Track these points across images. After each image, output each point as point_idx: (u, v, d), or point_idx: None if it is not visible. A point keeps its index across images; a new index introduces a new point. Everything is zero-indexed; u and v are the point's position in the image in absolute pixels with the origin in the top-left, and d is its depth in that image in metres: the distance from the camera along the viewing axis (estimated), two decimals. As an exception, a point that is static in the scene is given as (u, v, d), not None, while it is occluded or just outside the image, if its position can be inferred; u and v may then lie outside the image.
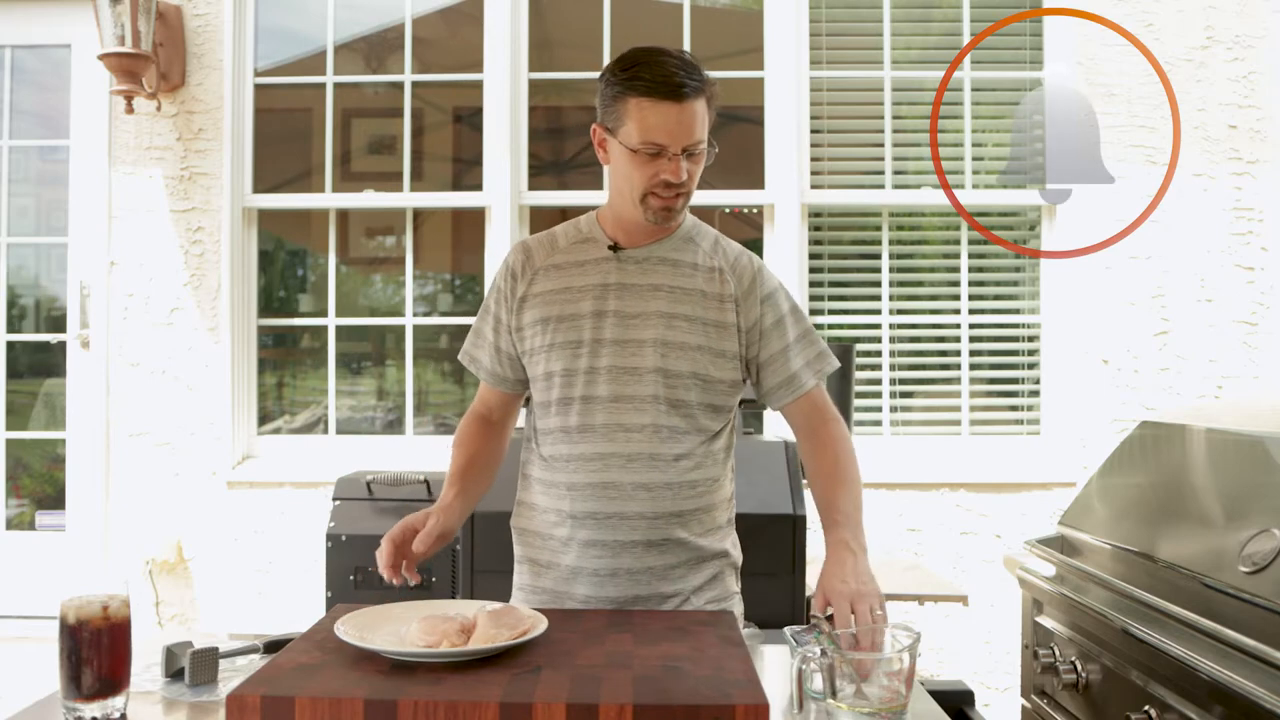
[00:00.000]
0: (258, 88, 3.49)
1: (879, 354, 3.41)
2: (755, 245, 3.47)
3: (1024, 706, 1.99)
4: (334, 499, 2.70)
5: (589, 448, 1.55)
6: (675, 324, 1.58)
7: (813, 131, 3.41)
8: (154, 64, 3.23)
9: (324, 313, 3.55)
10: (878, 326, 3.43)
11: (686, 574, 1.59)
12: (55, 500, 3.49)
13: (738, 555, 1.69)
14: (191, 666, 1.32)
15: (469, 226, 3.59)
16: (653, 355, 1.56)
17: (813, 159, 3.41)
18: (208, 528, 3.36)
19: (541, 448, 1.62)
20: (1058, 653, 1.82)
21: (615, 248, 1.62)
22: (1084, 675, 1.71)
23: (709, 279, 1.61)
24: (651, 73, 1.47)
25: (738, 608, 1.67)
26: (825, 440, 1.63)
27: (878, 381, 3.42)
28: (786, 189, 3.37)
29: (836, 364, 1.68)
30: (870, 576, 1.41)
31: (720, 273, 1.62)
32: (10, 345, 3.53)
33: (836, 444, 1.62)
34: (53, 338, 3.52)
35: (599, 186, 3.41)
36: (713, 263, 1.63)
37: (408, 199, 3.54)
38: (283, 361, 3.73)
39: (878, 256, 3.44)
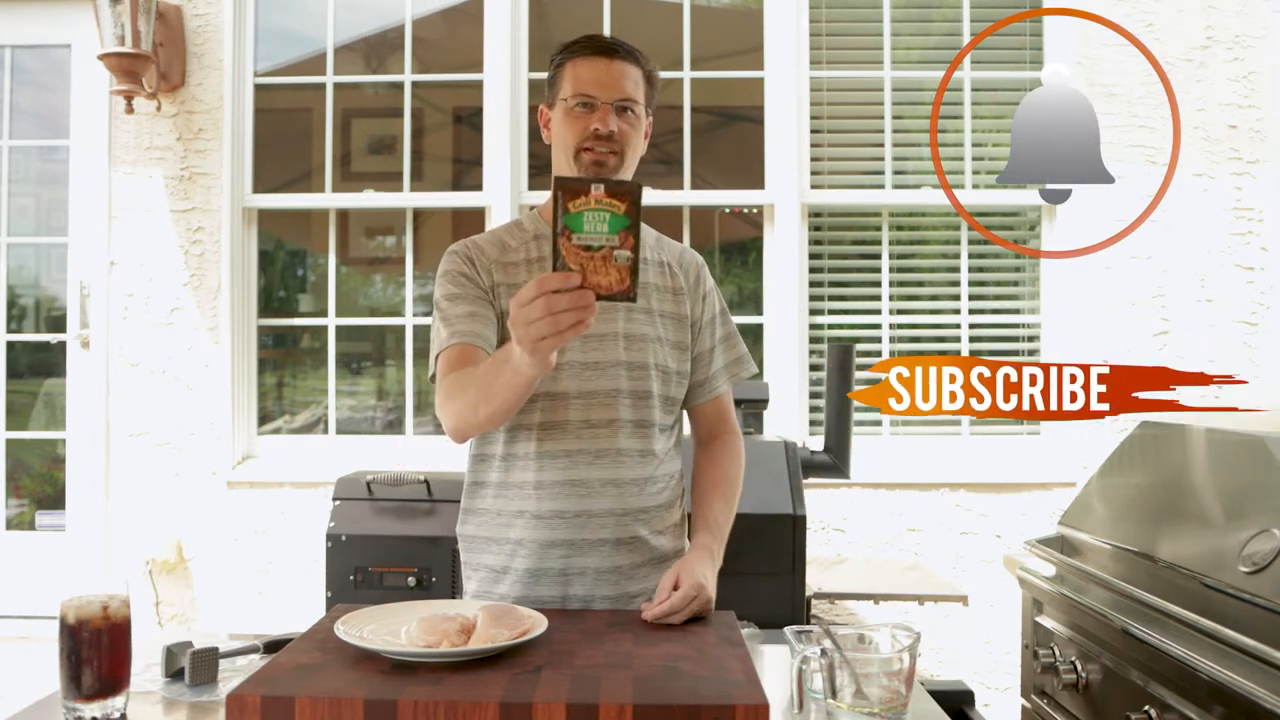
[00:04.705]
0: (258, 88, 3.49)
1: (879, 354, 3.41)
2: (755, 245, 3.48)
3: (1024, 706, 1.99)
4: (334, 499, 2.70)
5: (555, 445, 1.54)
6: (635, 317, 1.59)
7: (813, 131, 3.40)
8: (154, 64, 3.23)
9: (324, 313, 3.54)
10: (878, 326, 3.43)
11: (650, 574, 1.59)
12: (55, 500, 3.49)
13: None
14: (191, 666, 1.32)
15: (469, 227, 3.59)
16: (615, 349, 1.57)
17: (813, 159, 3.40)
18: (208, 528, 3.36)
19: (500, 448, 1.59)
20: (1058, 653, 1.82)
21: None
22: (1084, 675, 1.71)
23: (659, 273, 1.65)
24: (588, 39, 1.59)
25: None
26: (720, 451, 1.68)
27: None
28: (786, 189, 3.36)
29: (754, 370, 1.73)
30: (712, 585, 1.49)
31: (668, 267, 1.66)
32: (10, 345, 3.53)
33: (730, 460, 1.68)
34: (53, 338, 3.52)
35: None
36: (660, 258, 1.66)
37: (408, 199, 3.54)
38: (283, 361, 3.72)
39: (878, 256, 3.44)
